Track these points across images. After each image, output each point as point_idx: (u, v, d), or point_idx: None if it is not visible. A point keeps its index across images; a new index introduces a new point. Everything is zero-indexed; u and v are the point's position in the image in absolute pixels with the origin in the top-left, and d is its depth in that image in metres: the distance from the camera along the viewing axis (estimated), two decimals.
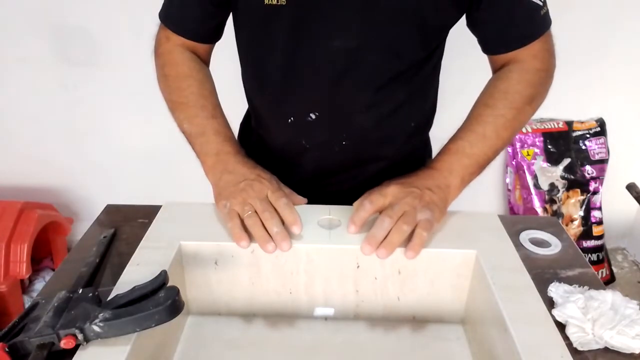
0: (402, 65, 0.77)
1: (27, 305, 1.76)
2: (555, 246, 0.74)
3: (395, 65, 0.77)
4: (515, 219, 0.81)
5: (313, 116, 0.80)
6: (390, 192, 0.70)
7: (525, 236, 0.76)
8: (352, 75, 0.76)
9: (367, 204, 0.69)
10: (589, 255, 1.91)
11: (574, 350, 0.57)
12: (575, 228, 1.90)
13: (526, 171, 1.88)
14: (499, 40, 0.78)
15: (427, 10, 0.72)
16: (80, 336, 0.51)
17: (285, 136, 0.85)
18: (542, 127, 1.86)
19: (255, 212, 0.68)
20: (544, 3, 0.76)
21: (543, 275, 0.68)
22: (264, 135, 0.90)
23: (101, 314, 0.52)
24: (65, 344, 0.51)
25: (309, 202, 0.77)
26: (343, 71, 0.76)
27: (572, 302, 0.60)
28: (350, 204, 0.74)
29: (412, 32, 0.74)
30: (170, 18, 0.82)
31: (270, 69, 0.79)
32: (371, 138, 0.83)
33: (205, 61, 0.87)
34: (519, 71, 0.79)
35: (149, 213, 0.77)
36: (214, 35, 0.85)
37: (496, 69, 0.83)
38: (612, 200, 1.95)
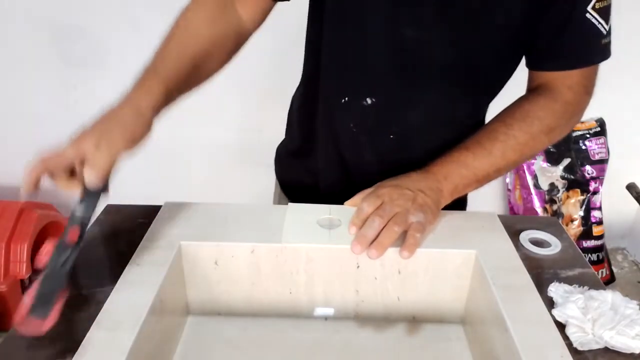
0: (469, 74, 0.75)
1: None
2: (555, 246, 0.74)
3: (462, 72, 0.75)
4: (515, 219, 0.81)
5: (369, 101, 0.78)
6: (384, 193, 0.70)
7: (525, 236, 0.76)
8: (413, 68, 0.75)
9: (366, 207, 0.69)
10: (589, 255, 1.91)
11: (574, 350, 0.56)
12: (575, 228, 1.90)
13: (526, 171, 1.88)
14: (546, 55, 0.74)
15: (517, 26, 0.70)
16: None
17: (335, 118, 0.83)
18: None
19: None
20: (609, 33, 0.71)
21: (543, 275, 0.68)
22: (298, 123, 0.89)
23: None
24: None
25: (341, 201, 0.75)
26: (408, 61, 0.74)
27: (572, 302, 0.60)
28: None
29: (492, 44, 0.72)
30: None
31: (341, 47, 0.77)
32: (417, 141, 0.81)
33: (243, 21, 0.74)
34: (547, 98, 0.76)
35: (149, 213, 0.77)
36: None
37: (530, 89, 0.80)
38: (612, 200, 1.95)
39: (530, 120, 0.75)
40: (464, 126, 0.81)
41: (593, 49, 0.72)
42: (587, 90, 0.76)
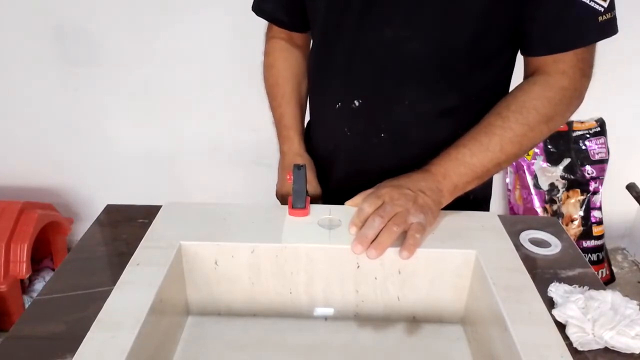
0: (450, 65, 0.75)
1: (27, 306, 1.76)
2: (555, 246, 0.74)
3: (443, 63, 0.75)
4: (515, 219, 0.81)
5: (357, 103, 0.81)
6: (385, 193, 0.70)
7: (525, 236, 0.76)
8: (395, 66, 0.76)
9: (366, 207, 0.69)
10: (589, 255, 1.91)
11: (574, 350, 0.57)
12: (575, 228, 1.90)
13: (526, 171, 1.88)
14: (534, 40, 0.72)
15: (487, 13, 0.70)
16: None
17: (331, 123, 0.86)
18: None
19: None
20: (610, 8, 0.67)
21: (543, 275, 0.68)
22: (313, 132, 0.94)
23: None
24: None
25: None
26: (388, 60, 0.76)
27: (572, 302, 0.60)
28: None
29: (465, 33, 0.72)
30: (254, 4, 0.91)
31: (326, 53, 0.82)
32: (411, 137, 0.82)
33: (304, 48, 0.95)
34: (542, 85, 0.74)
35: (149, 213, 0.77)
36: (297, 21, 0.89)
37: (525, 77, 0.78)
38: (612, 200, 1.95)
39: (526, 112, 0.73)
40: (456, 118, 0.80)
41: (584, 29, 0.69)
42: (583, 73, 0.74)
